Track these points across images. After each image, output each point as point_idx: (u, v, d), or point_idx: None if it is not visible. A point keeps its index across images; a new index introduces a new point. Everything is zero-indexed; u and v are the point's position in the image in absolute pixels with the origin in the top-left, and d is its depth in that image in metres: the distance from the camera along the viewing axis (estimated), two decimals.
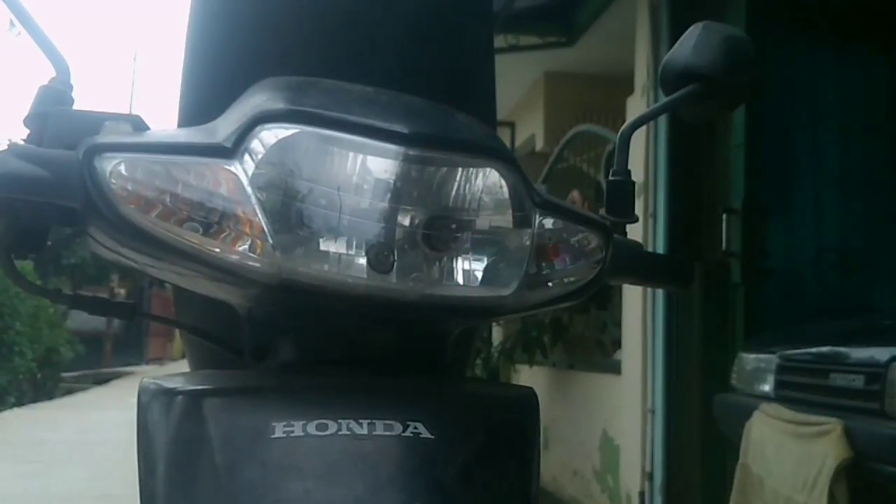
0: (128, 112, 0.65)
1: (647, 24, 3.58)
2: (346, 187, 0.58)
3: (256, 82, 0.65)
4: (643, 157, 3.50)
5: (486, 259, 0.62)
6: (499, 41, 4.44)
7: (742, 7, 3.10)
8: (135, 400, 0.62)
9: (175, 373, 0.65)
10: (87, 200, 0.57)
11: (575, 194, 4.36)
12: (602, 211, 0.77)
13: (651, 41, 3.54)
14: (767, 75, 2.88)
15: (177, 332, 1.08)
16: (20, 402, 9.82)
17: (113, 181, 0.57)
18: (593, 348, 4.52)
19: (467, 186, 0.61)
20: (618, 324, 3.98)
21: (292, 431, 0.55)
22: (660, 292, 3.39)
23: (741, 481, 2.39)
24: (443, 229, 0.61)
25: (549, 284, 0.67)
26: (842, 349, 2.22)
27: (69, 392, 12.12)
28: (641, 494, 3.52)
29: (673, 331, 3.41)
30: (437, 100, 0.68)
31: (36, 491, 4.50)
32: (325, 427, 0.55)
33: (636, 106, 3.68)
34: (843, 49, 3.30)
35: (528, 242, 0.63)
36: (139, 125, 0.62)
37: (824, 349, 2.28)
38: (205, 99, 0.77)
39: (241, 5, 0.81)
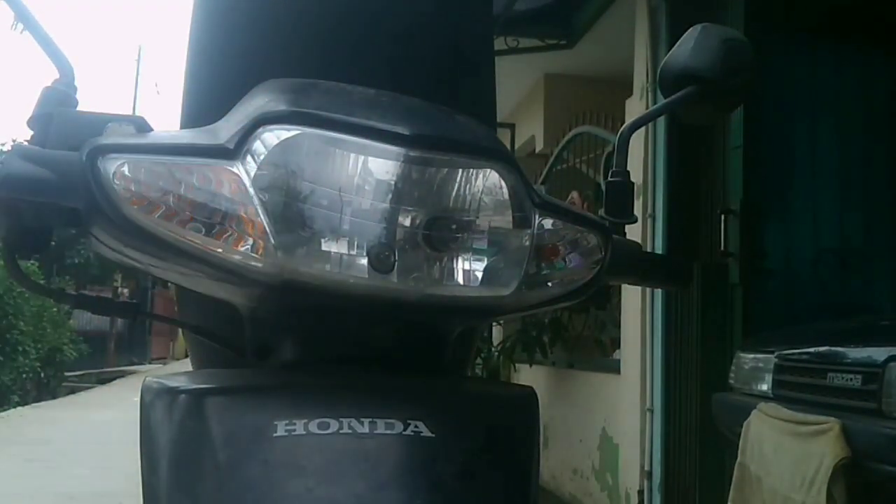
0: (131, 113, 0.65)
1: (646, 27, 3.58)
2: (348, 188, 0.59)
3: (259, 84, 0.65)
4: (642, 159, 3.51)
5: (486, 259, 0.63)
6: (499, 43, 4.44)
7: (741, 9, 3.11)
8: (138, 399, 0.63)
9: (178, 372, 0.66)
10: (90, 201, 0.58)
11: (574, 195, 4.37)
12: (601, 211, 0.77)
13: (650, 43, 3.55)
14: (766, 77, 2.89)
15: (180, 331, 1.09)
16: (24, 402, 9.84)
17: (116, 182, 0.57)
18: (593, 348, 4.53)
19: (467, 187, 0.62)
20: (617, 323, 3.98)
21: (294, 430, 0.55)
22: (658, 292, 3.39)
23: (739, 480, 2.40)
24: (443, 230, 0.61)
25: (549, 284, 0.67)
26: (839, 349, 2.22)
27: (73, 391, 12.14)
28: (640, 493, 3.53)
29: (671, 330, 3.42)
30: (438, 101, 0.69)
31: (40, 489, 4.50)
32: (327, 426, 0.56)
33: (635, 107, 3.69)
34: (841, 51, 3.30)
35: (527, 243, 0.64)
36: (142, 126, 0.62)
37: (822, 349, 2.29)
38: (207, 100, 0.77)
39: (244, 7, 0.81)
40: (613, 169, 0.79)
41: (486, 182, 0.62)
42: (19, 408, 9.14)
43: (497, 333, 5.39)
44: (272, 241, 0.58)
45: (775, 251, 3.16)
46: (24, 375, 10.22)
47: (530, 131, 5.86)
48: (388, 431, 0.56)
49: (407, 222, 0.60)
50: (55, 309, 11.09)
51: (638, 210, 3.39)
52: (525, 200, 0.64)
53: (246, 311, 0.66)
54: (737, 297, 3.11)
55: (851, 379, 2.04)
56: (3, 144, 14.03)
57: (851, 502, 1.93)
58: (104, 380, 14.72)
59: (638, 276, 0.83)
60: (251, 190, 0.58)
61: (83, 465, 5.32)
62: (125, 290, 17.89)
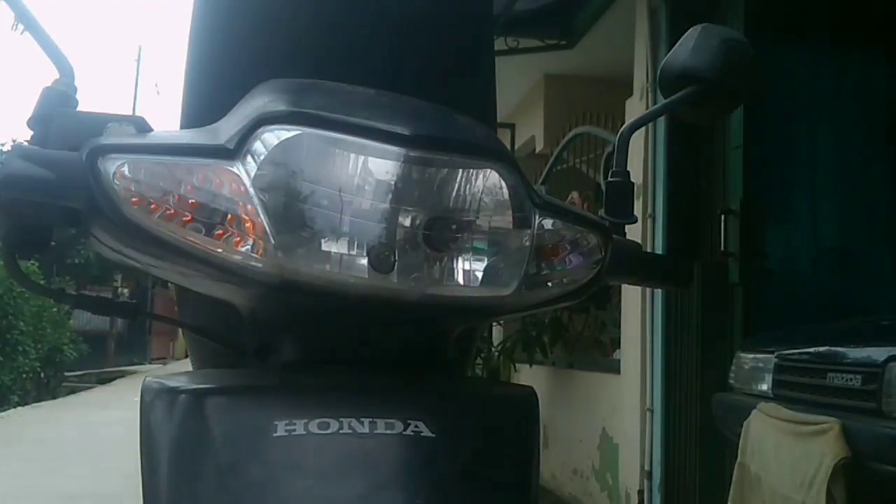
0: (131, 113, 0.65)
1: (646, 27, 3.58)
2: (348, 188, 0.59)
3: (259, 84, 0.65)
4: (642, 159, 3.51)
5: (486, 259, 0.63)
6: (499, 43, 4.44)
7: (741, 9, 3.11)
8: (138, 399, 0.63)
9: (178, 372, 0.66)
10: (90, 201, 0.58)
11: (574, 195, 4.37)
12: (601, 211, 0.77)
13: (650, 43, 3.55)
14: (766, 77, 2.89)
15: (180, 331, 1.09)
16: (24, 402, 9.86)
17: (116, 182, 0.58)
18: (593, 348, 4.53)
19: (467, 187, 0.62)
20: (617, 323, 3.98)
21: (294, 430, 0.55)
22: (658, 292, 3.39)
23: (739, 480, 2.40)
24: (443, 230, 0.61)
25: (549, 284, 0.67)
26: (839, 349, 2.22)
27: (73, 391, 12.17)
28: (640, 493, 3.53)
29: (671, 330, 3.42)
30: (438, 101, 0.69)
31: (39, 489, 4.50)
32: (327, 426, 0.56)
33: (635, 108, 3.69)
34: (840, 51, 3.30)
35: (527, 243, 0.64)
36: (142, 127, 0.62)
37: (822, 349, 2.29)
38: (207, 101, 0.77)
39: (244, 8, 0.81)
40: (613, 169, 0.79)
41: (486, 182, 0.62)
42: (19, 408, 9.15)
43: (497, 333, 5.39)
44: (272, 241, 0.58)
45: (775, 251, 3.16)
46: (24, 375, 10.25)
47: (530, 131, 5.86)
48: (388, 431, 0.56)
49: (407, 222, 0.60)
50: (55, 309, 11.12)
51: (638, 210, 3.39)
52: (525, 200, 0.64)
53: (246, 311, 0.66)
54: (737, 297, 3.11)
55: (851, 379, 2.04)
56: (3, 144, 14.06)
57: (851, 502, 1.93)
58: (104, 380, 14.76)
59: (638, 276, 0.83)
60: (251, 190, 0.58)
61: (83, 465, 5.32)
62: (125, 290, 17.94)
